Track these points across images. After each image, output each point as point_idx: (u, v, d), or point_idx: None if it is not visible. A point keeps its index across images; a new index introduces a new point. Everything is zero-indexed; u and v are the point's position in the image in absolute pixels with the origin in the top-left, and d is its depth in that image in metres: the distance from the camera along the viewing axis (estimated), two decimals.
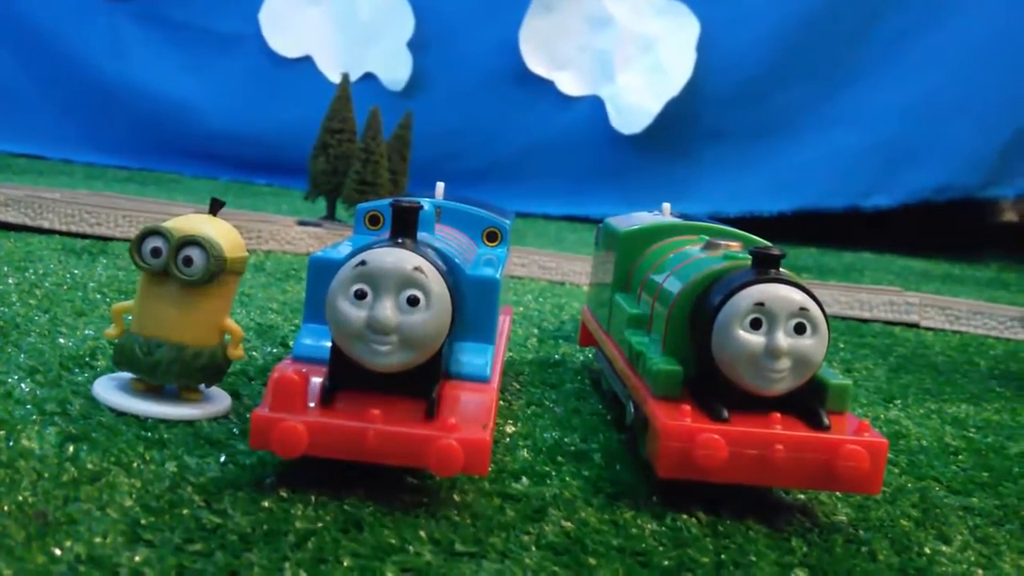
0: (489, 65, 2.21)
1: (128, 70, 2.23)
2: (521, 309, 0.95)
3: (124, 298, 0.72)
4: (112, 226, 1.05)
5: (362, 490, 0.43)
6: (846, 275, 1.58)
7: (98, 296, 0.75)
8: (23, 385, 0.51)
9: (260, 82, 2.24)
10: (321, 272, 0.46)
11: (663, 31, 2.17)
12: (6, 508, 0.37)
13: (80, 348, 0.59)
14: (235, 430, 0.49)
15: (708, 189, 2.16)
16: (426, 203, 0.49)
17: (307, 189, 1.35)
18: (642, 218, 0.64)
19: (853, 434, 0.44)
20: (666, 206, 0.68)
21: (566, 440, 0.53)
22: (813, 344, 0.44)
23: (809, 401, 0.46)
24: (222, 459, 0.45)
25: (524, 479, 0.47)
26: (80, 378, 0.53)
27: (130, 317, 0.51)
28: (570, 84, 2.22)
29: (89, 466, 0.41)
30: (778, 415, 0.45)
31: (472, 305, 0.46)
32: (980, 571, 0.43)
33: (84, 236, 1.04)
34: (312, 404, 0.42)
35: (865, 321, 1.13)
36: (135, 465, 0.42)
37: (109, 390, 0.50)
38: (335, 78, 1.55)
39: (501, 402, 0.59)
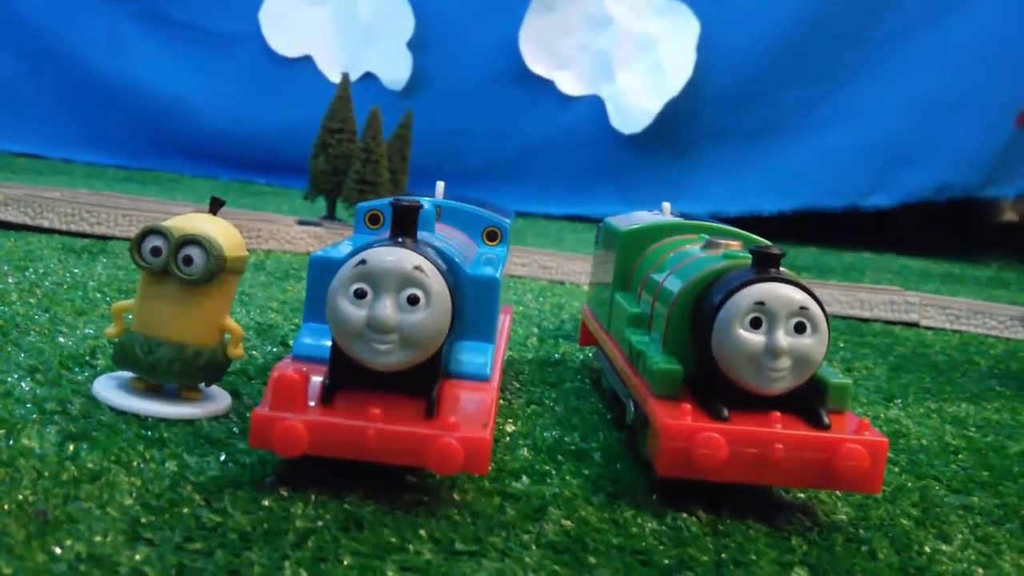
0: (489, 65, 2.21)
1: (128, 69, 2.23)
2: (521, 308, 0.95)
3: (124, 297, 0.72)
4: (112, 225, 1.05)
5: (362, 489, 0.43)
6: (846, 275, 1.58)
7: (98, 295, 0.75)
8: (23, 384, 0.51)
9: (260, 82, 2.24)
10: (321, 271, 0.46)
11: (663, 31, 2.17)
12: (6, 507, 0.37)
13: (80, 347, 0.59)
14: (235, 429, 0.49)
15: (708, 189, 2.16)
16: (426, 202, 0.49)
17: (307, 189, 1.35)
18: (642, 217, 0.64)
19: (853, 433, 0.44)
20: (666, 205, 0.68)
21: (566, 439, 0.53)
22: (813, 343, 0.44)
23: (809, 400, 0.46)
24: (222, 458, 0.45)
25: (524, 478, 0.47)
26: (80, 377, 0.53)
27: (130, 316, 0.51)
28: (570, 84, 2.22)
29: (89, 465, 0.41)
30: (778, 414, 0.45)
31: (472, 304, 0.46)
32: (980, 570, 0.43)
33: (84, 235, 1.04)
34: (312, 403, 0.42)
35: (865, 320, 1.13)
36: (135, 464, 0.42)
37: (109, 389, 0.50)
38: (335, 78, 1.56)
39: (501, 401, 0.59)
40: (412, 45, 2.21)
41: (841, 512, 0.48)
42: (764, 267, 0.46)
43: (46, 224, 1.03)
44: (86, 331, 0.63)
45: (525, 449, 0.51)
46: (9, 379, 0.51)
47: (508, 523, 0.41)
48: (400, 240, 0.43)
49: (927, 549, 0.44)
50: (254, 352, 0.64)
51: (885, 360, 0.90)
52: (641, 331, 0.53)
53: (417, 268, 0.41)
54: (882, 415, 0.68)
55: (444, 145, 2.01)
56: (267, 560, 0.35)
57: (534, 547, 0.39)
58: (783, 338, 0.44)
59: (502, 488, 0.45)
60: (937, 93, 2.10)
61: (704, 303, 0.47)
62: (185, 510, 0.39)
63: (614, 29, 2.19)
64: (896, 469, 0.56)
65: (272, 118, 2.18)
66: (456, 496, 0.44)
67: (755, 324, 0.44)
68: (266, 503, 0.40)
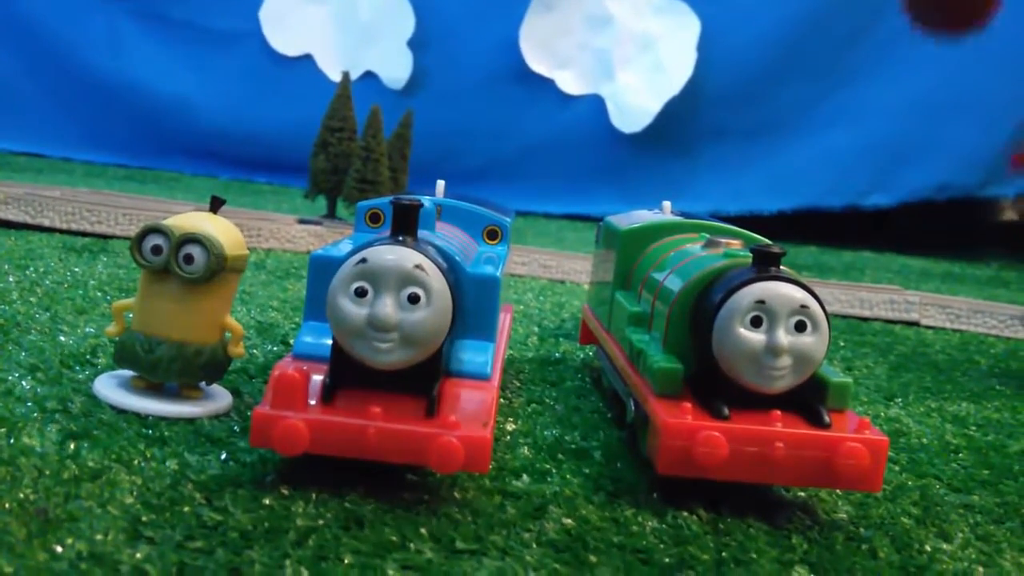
0: (489, 64, 2.21)
1: (128, 68, 2.23)
2: (522, 307, 0.95)
3: (125, 296, 0.72)
4: (112, 224, 1.05)
5: (363, 487, 0.43)
6: (846, 274, 1.58)
7: (99, 294, 0.75)
8: (24, 383, 0.51)
9: (260, 80, 2.24)
10: (322, 270, 0.46)
11: (663, 30, 2.17)
12: (7, 505, 0.37)
13: (81, 346, 0.59)
14: (236, 428, 0.49)
15: (708, 188, 2.16)
16: (426, 201, 0.49)
17: (307, 187, 1.35)
18: (642, 216, 0.64)
19: (854, 432, 0.44)
20: (666, 204, 0.68)
21: (566, 438, 0.53)
22: (814, 342, 0.44)
23: (810, 399, 0.46)
24: (223, 457, 0.45)
25: (524, 476, 0.47)
26: (81, 376, 0.53)
27: (131, 315, 0.51)
28: (570, 83, 2.22)
29: (90, 463, 0.42)
30: (779, 413, 0.45)
31: (473, 303, 0.46)
32: (980, 569, 0.43)
33: (84, 234, 1.04)
34: (313, 402, 0.42)
35: (865, 319, 1.13)
36: (136, 462, 0.42)
37: (110, 388, 0.50)
38: (335, 77, 1.56)
39: (501, 400, 0.59)
40: (412, 44, 2.21)
41: (841, 511, 0.48)
42: (764, 266, 0.46)
43: (46, 223, 1.03)
44: (87, 330, 0.63)
45: (525, 448, 0.51)
46: (10, 378, 0.51)
47: (509, 522, 0.41)
48: (401, 239, 0.43)
49: (927, 548, 0.44)
50: (255, 351, 0.64)
51: (885, 359, 0.90)
52: (641, 330, 0.53)
53: (418, 267, 0.41)
54: (882, 414, 0.68)
55: (444, 144, 2.01)
56: (268, 559, 0.35)
57: (535, 545, 0.39)
58: (783, 337, 0.44)
59: (503, 487, 0.45)
60: (937, 93, 2.10)
61: (705, 302, 0.47)
62: (186, 509, 0.39)
63: (614, 28, 2.19)
64: (896, 468, 0.56)
65: (272, 117, 2.18)
66: (457, 495, 0.44)
67: (756, 323, 0.44)
68: (267, 502, 0.40)
